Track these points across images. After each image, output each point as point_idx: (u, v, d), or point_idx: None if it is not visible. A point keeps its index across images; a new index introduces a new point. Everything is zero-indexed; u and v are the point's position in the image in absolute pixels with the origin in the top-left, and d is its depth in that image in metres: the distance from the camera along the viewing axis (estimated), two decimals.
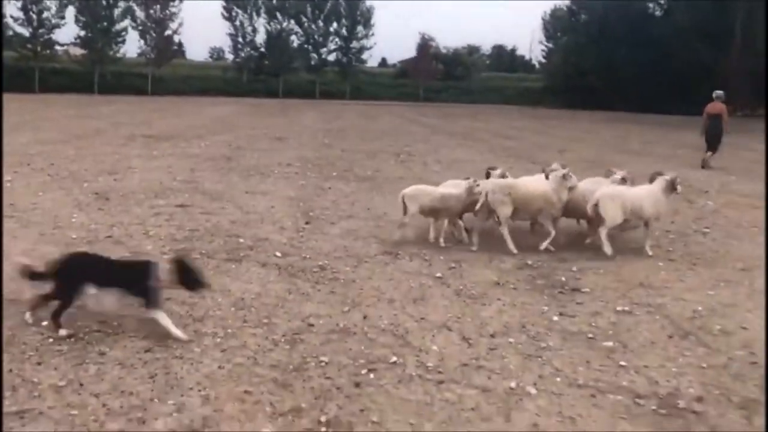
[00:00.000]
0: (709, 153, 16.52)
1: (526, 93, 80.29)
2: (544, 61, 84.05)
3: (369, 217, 8.72)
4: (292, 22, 70.55)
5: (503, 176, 7.83)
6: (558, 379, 3.97)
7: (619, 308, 5.35)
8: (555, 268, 6.53)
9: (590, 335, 4.74)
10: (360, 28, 76.47)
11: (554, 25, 78.54)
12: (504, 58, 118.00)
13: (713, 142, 16.69)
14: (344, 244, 7.16)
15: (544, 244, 7.25)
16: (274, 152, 15.98)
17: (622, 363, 4.25)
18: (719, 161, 16.51)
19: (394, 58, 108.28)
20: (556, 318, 5.09)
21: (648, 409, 3.65)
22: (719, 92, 17.27)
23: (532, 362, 4.22)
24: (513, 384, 3.86)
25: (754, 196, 11.57)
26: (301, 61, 72.81)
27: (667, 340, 4.70)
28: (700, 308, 5.38)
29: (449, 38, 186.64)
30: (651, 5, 68.59)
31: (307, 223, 8.17)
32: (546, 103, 71.10)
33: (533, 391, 3.79)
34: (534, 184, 7.52)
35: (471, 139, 23.89)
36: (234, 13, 68.18)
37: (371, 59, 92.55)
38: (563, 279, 6.17)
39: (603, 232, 7.13)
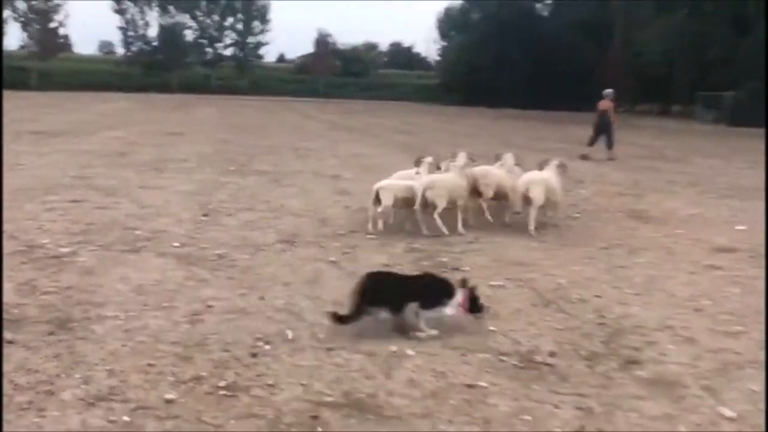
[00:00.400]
0: (597, 148, 18.04)
1: (423, 90, 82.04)
2: (439, 58, 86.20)
3: (267, 209, 9.02)
4: (186, 16, 68.95)
5: (437, 165, 8.33)
6: (434, 343, 4.48)
7: (493, 283, 5.94)
8: (440, 251, 7.09)
9: None
10: (257, 23, 75.71)
11: (448, 23, 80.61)
12: (401, 55, 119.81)
13: (605, 136, 18.17)
14: (242, 235, 7.44)
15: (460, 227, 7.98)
16: (169, 147, 15.90)
17: (492, 328, 4.81)
18: (599, 153, 17.82)
19: (292, 53, 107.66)
20: None
21: (510, 364, 4.21)
22: (608, 90, 18.92)
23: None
24: (395, 348, 4.33)
25: (623, 185, 12.70)
26: (196, 56, 71.34)
27: (531, 308, 5.32)
28: (563, 281, 6.06)
29: (347, 35, 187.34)
30: (539, 5, 71.80)
31: (204, 215, 8.38)
32: (442, 100, 72.89)
33: (412, 353, 4.28)
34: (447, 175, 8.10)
35: (368, 134, 24.47)
36: (124, 6, 65.96)
37: (269, 55, 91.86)
38: (446, 260, 6.73)
39: (533, 213, 7.98)
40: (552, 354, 4.38)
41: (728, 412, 3.62)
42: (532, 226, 7.92)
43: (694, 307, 5.44)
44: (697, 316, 5.20)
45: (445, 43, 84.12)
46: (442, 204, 7.69)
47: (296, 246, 7.05)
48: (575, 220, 9.09)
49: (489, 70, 65.63)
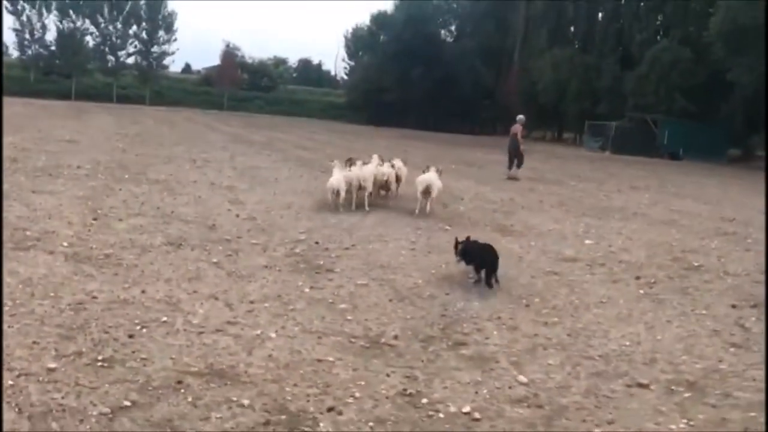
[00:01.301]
0: (514, 168, 19.78)
1: (330, 107, 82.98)
2: (346, 77, 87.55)
3: (157, 215, 9.44)
4: (87, 21, 66.96)
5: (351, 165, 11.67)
6: (296, 328, 5.17)
7: (359, 282, 6.71)
8: (317, 255, 7.79)
9: (331, 301, 6.02)
10: (161, 32, 74.49)
11: (356, 43, 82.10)
12: (310, 72, 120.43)
13: (516, 157, 19.88)
14: (130, 237, 7.87)
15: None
16: (64, 155, 15.85)
17: (349, 317, 5.56)
18: (480, 175, 19.10)
19: (199, 64, 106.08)
20: (307, 290, 6.31)
21: (358, 345, 4.96)
22: (520, 116, 20.84)
23: (279, 318, 5.38)
24: (259, 332, 4.99)
25: (498, 203, 13.81)
26: (97, 63, 69.36)
27: (387, 302, 6.10)
28: (420, 281, 6.90)
29: (257, 49, 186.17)
30: (443, 31, 74.33)
31: (94, 219, 8.73)
32: (349, 118, 74.00)
33: (274, 335, 4.95)
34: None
35: (270, 148, 24.91)
36: (20, 7, 63.34)
37: (175, 64, 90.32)
38: (322, 263, 7.44)
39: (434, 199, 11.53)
40: (395, 337, 5.17)
41: (523, 378, 4.50)
42: (418, 210, 11.25)
43: (525, 303, 6.39)
44: (522, 310, 6.15)
45: (352, 63, 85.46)
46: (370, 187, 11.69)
47: (182, 248, 7.57)
48: (445, 231, 10.00)
49: (393, 91, 67.29)
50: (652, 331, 5.74)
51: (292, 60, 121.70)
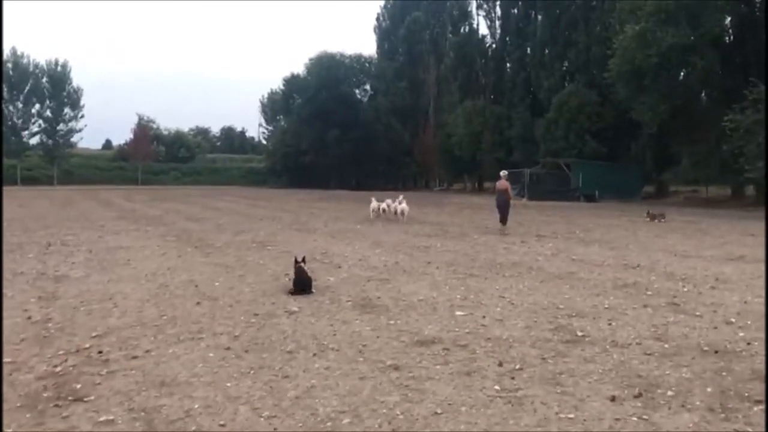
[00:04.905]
0: (501, 224, 20.10)
1: (251, 173, 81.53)
2: (265, 142, 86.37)
3: None
4: None
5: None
6: None
7: (104, 418, 4.80)
8: (83, 373, 5.86)
9: None
10: (67, 109, 71.98)
11: (272, 108, 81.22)
12: (234, 139, 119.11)
13: (502, 212, 20.13)
14: None
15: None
16: None
17: None
18: (378, 235, 17.50)
19: (121, 139, 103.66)
20: None
21: None
22: (504, 172, 21.53)
23: None
24: None
25: (378, 269, 12.12)
26: None
27: None
28: (197, 405, 5.04)
29: (182, 120, 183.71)
30: (357, 90, 74.15)
31: None
32: (270, 183, 72.52)
33: None
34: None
35: (156, 223, 22.93)
36: None
37: (95, 141, 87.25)
38: (80, 386, 5.51)
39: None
40: None
41: None
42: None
43: (330, 427, 4.61)
44: None
45: (270, 128, 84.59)
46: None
47: None
48: (291, 315, 8.21)
49: (311, 153, 66.27)
50: None
51: (216, 129, 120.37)
